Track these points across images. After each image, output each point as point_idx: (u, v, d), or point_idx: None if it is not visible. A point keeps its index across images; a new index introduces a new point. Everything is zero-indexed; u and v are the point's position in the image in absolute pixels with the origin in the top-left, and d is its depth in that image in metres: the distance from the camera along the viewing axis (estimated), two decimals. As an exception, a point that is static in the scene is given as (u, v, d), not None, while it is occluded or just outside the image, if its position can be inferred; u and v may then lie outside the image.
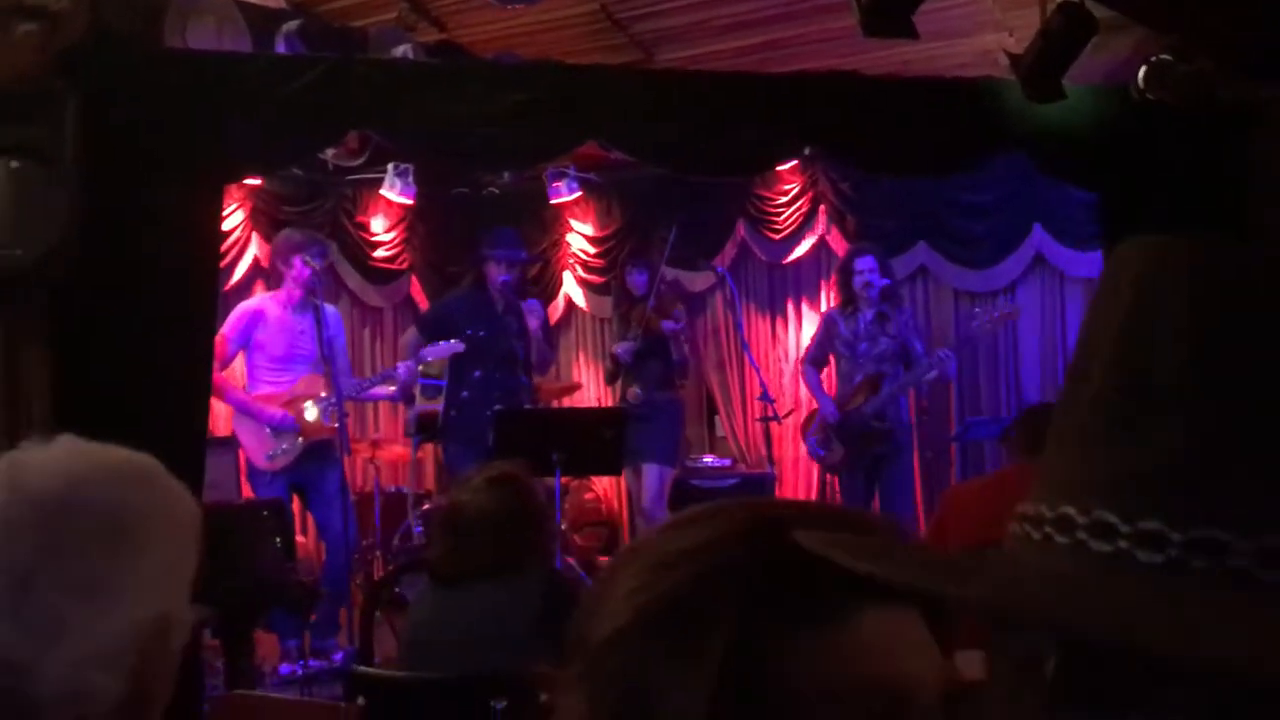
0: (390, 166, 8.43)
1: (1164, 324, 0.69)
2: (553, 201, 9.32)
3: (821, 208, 8.90)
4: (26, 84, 5.08)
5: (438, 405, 7.61)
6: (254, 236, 8.40)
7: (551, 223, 9.80)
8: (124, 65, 5.43)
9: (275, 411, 6.65)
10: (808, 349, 8.03)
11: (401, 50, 6.59)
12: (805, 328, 9.04)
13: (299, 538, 7.16)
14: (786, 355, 9.17)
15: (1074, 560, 0.69)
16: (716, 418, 9.56)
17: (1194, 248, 0.71)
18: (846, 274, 7.54)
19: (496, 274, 7.47)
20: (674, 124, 6.18)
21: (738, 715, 0.76)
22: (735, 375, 9.40)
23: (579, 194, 9.28)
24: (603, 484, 9.47)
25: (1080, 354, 0.74)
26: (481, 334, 7.38)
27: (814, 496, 8.86)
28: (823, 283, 9.02)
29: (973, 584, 0.71)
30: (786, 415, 8.24)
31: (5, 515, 1.28)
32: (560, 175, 9.07)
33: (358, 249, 9.14)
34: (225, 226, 6.92)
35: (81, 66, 5.23)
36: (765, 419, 7.76)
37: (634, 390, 7.80)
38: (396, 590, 6.49)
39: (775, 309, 9.32)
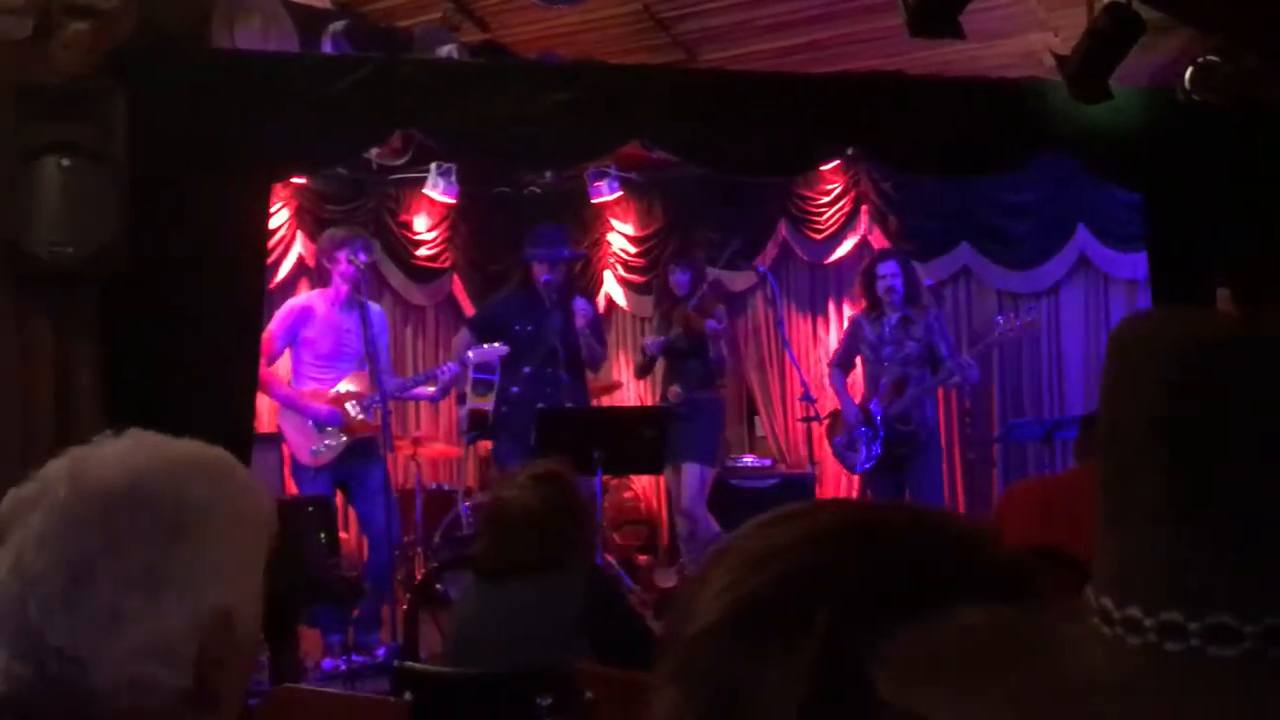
0: (433, 166, 8.47)
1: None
2: (594, 201, 9.34)
3: (863, 208, 8.88)
4: (77, 83, 5.14)
5: (488, 403, 7.65)
6: (299, 235, 8.46)
7: (592, 222, 9.82)
8: (173, 64, 5.49)
9: (321, 406, 6.69)
10: (835, 352, 8.04)
11: (446, 50, 6.62)
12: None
13: (342, 534, 7.21)
14: (827, 355, 9.13)
15: (1154, 663, 0.67)
16: (756, 418, 9.56)
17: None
18: (869, 278, 7.53)
19: (540, 273, 7.49)
20: (716, 124, 6.20)
21: (828, 715, 0.76)
22: (776, 375, 9.39)
23: (620, 193, 9.30)
24: (642, 482, 9.49)
25: (1112, 428, 0.73)
26: (530, 329, 7.42)
27: (854, 497, 8.86)
28: (858, 281, 8.98)
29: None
30: (828, 415, 8.22)
31: (66, 508, 1.28)
32: (601, 175, 9.09)
33: (401, 248, 9.19)
34: (271, 225, 6.96)
35: (131, 66, 5.29)
36: (807, 419, 7.74)
37: (675, 389, 7.81)
38: (438, 587, 6.52)
39: (816, 309, 9.30)
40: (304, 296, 7.21)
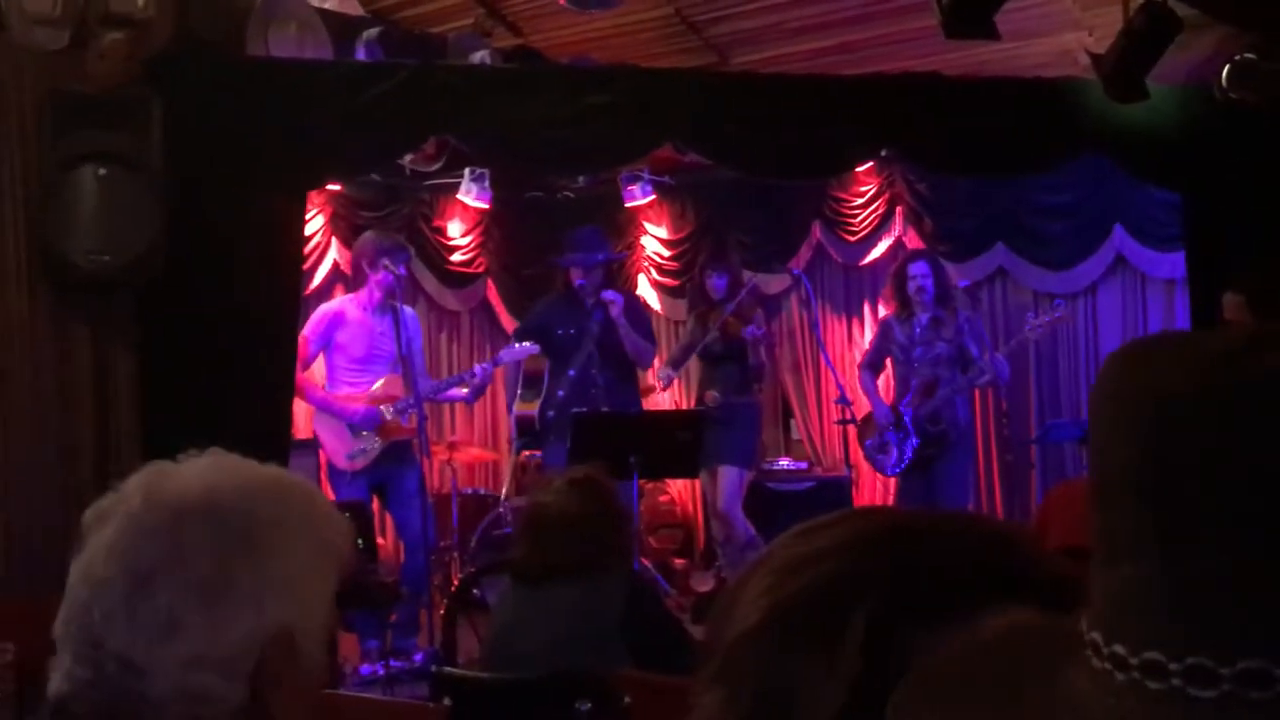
0: (466, 171, 8.48)
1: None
2: (627, 205, 9.34)
3: (898, 209, 8.85)
4: (113, 92, 5.18)
5: (533, 409, 7.67)
6: (333, 241, 8.50)
7: (626, 226, 9.81)
8: (208, 73, 5.53)
9: (358, 407, 6.72)
10: (864, 354, 8.03)
11: (479, 56, 6.64)
12: (882, 330, 9.01)
13: (379, 539, 7.23)
14: (862, 357, 9.13)
15: (1139, 701, 0.68)
16: (792, 421, 9.53)
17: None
18: (900, 279, 7.53)
19: (575, 276, 7.51)
20: (749, 126, 6.19)
21: (872, 715, 0.77)
22: (811, 378, 9.37)
23: (653, 197, 9.29)
24: (677, 486, 9.48)
25: (1100, 465, 0.73)
26: (572, 333, 7.44)
27: (890, 500, 8.83)
28: (888, 282, 8.96)
29: None
30: (861, 420, 8.20)
31: (137, 518, 1.31)
32: (634, 178, 9.09)
33: (435, 253, 9.21)
34: (306, 231, 7.00)
35: (167, 75, 5.33)
36: (843, 422, 7.71)
37: (712, 394, 7.80)
38: (475, 591, 6.53)
39: (851, 311, 9.27)
40: (336, 301, 7.24)
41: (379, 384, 6.81)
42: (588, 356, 7.46)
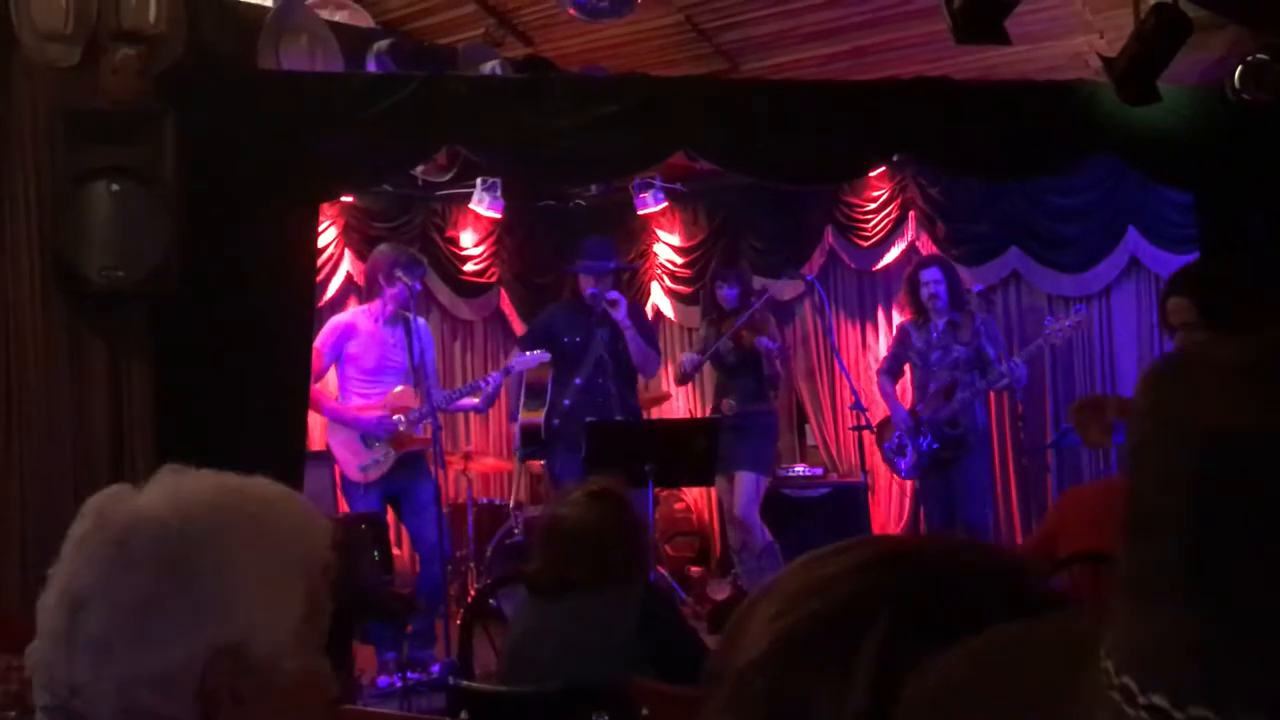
0: (479, 181, 8.50)
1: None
2: (639, 212, 9.34)
3: (911, 214, 8.84)
4: (126, 107, 5.19)
5: (539, 417, 7.67)
6: (346, 252, 8.51)
7: (638, 233, 9.82)
8: (220, 87, 5.54)
9: (371, 416, 6.73)
10: (883, 360, 8.05)
11: (490, 66, 6.64)
12: (896, 335, 9.00)
13: (395, 550, 7.23)
14: (877, 362, 9.10)
15: None
16: (807, 427, 9.52)
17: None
18: (914, 285, 7.57)
19: (586, 285, 7.52)
20: (761, 133, 6.19)
21: None
22: (825, 384, 9.36)
23: (665, 204, 9.29)
24: (693, 494, 9.47)
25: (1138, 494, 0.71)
26: (578, 341, 7.45)
27: (906, 505, 8.82)
28: (902, 289, 8.95)
29: None
30: (879, 424, 8.20)
31: (81, 543, 1.33)
32: (646, 186, 9.09)
33: (448, 263, 9.22)
34: (319, 243, 7.01)
35: (179, 89, 5.34)
36: (858, 428, 7.71)
37: (728, 402, 7.81)
38: (492, 602, 6.53)
39: (865, 316, 9.26)
40: (347, 313, 7.26)
41: (391, 395, 6.82)
42: (595, 365, 7.46)
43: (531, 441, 7.78)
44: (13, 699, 3.40)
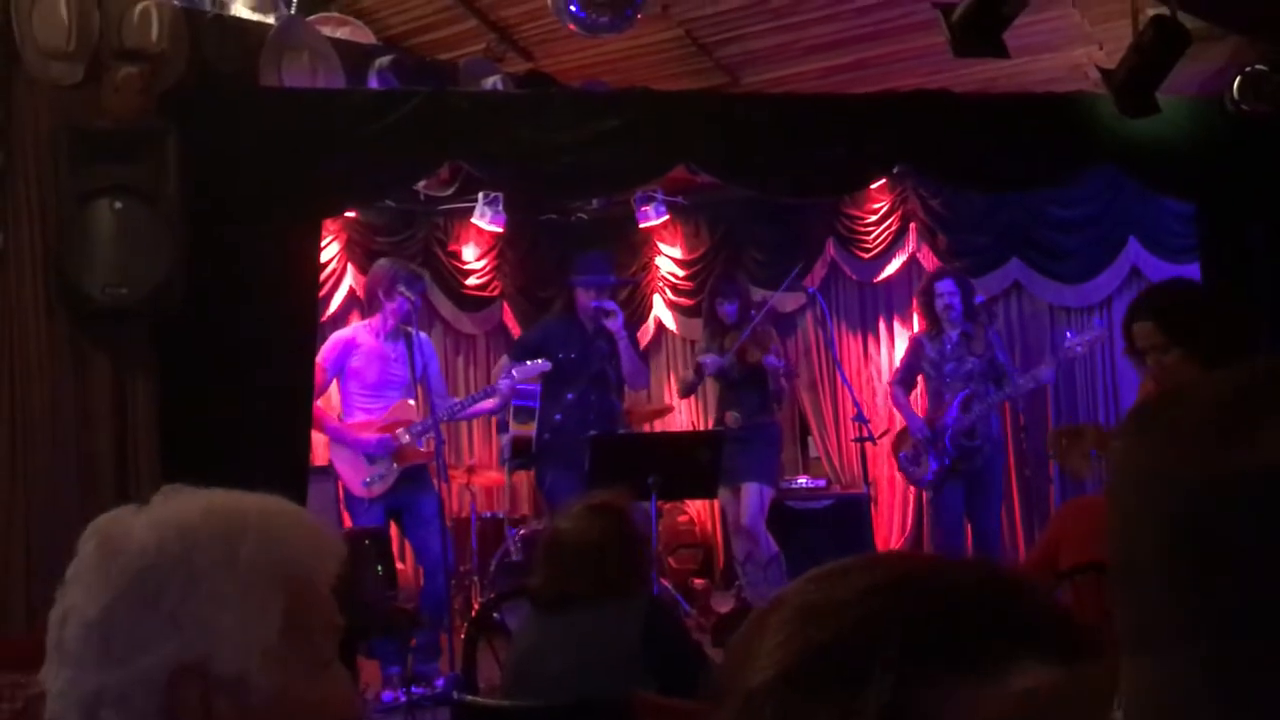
0: (480, 195, 8.51)
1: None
2: (641, 225, 9.35)
3: (912, 225, 8.85)
4: (129, 125, 5.21)
5: (530, 430, 7.67)
6: (349, 267, 8.53)
7: (640, 246, 9.84)
8: (223, 105, 5.57)
9: (370, 437, 6.74)
10: (896, 371, 8.08)
11: (491, 82, 6.67)
12: (898, 347, 8.99)
13: (399, 564, 7.24)
14: (879, 374, 9.13)
15: None
16: (810, 439, 9.53)
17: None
18: (928, 297, 7.64)
19: (586, 300, 7.53)
20: (762, 146, 6.21)
21: None
22: (828, 396, 9.36)
23: (667, 217, 9.31)
24: (696, 506, 9.47)
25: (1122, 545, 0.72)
26: (573, 356, 7.46)
27: (910, 517, 8.83)
28: (915, 301, 8.96)
29: None
30: (882, 435, 8.20)
31: (78, 559, 1.36)
32: (648, 199, 9.10)
33: (450, 277, 9.24)
34: (321, 258, 7.02)
35: (181, 107, 5.37)
36: (860, 439, 7.72)
37: (732, 415, 7.83)
38: (496, 616, 6.53)
39: (867, 328, 9.28)
40: (349, 328, 7.28)
41: (393, 409, 6.83)
42: (589, 380, 7.49)
43: (521, 454, 7.79)
44: (17, 717, 3.42)
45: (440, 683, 6.46)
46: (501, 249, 9.46)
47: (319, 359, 6.67)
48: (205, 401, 5.40)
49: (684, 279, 9.70)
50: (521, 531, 7.83)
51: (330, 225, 8.07)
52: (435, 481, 6.77)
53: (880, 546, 8.46)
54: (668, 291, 9.82)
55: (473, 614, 7.03)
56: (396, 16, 7.12)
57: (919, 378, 7.86)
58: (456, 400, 7.32)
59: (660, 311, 9.87)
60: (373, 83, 6.30)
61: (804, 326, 9.48)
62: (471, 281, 9.38)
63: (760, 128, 6.18)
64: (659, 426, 9.19)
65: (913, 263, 8.90)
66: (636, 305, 9.80)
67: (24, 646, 4.06)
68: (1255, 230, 6.27)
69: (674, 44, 7.33)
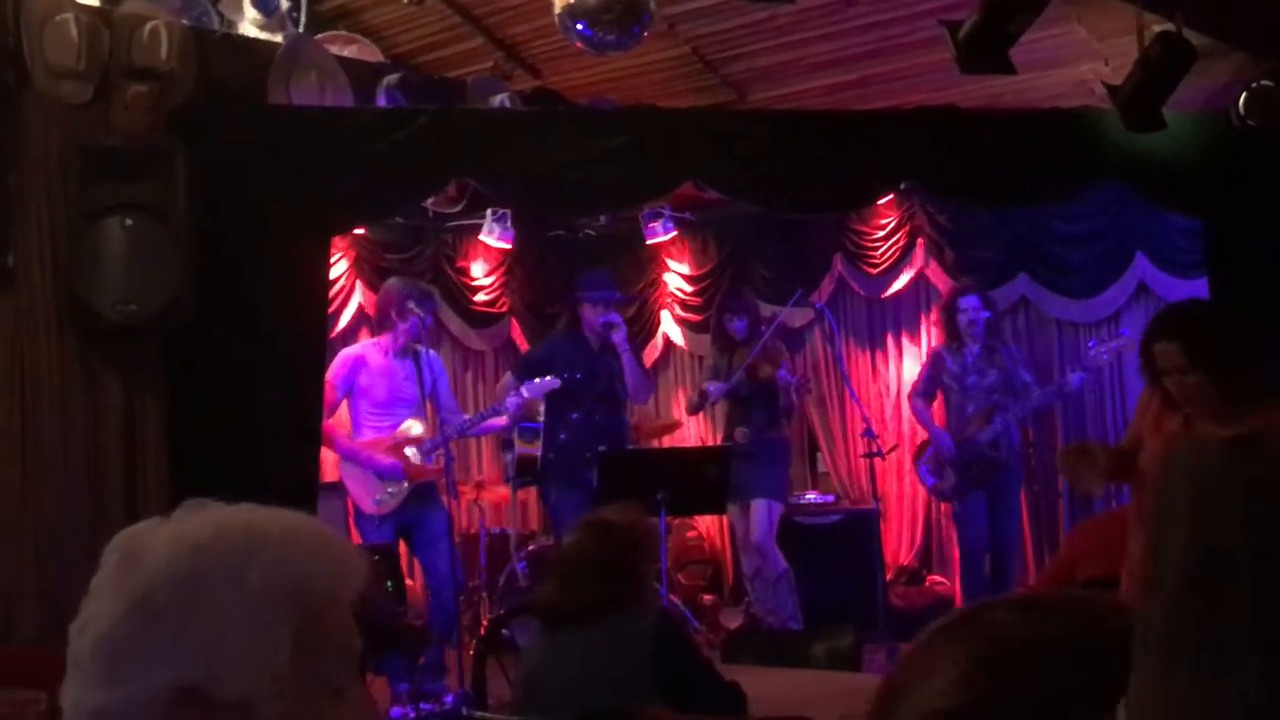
0: (489, 212, 8.53)
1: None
2: (649, 242, 9.36)
3: (919, 241, 8.85)
4: (138, 143, 5.24)
5: (536, 449, 7.68)
6: (358, 284, 8.54)
7: (648, 263, 9.85)
8: (231, 123, 5.59)
9: (383, 459, 6.74)
10: (915, 384, 8.09)
11: (499, 99, 6.69)
12: (906, 362, 8.99)
13: (409, 581, 7.24)
14: (887, 390, 9.12)
15: None
16: (818, 454, 9.52)
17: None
18: (951, 312, 7.69)
19: (593, 316, 7.54)
20: (769, 163, 6.22)
21: None
22: (836, 411, 9.35)
23: (674, 233, 9.31)
24: (705, 522, 9.46)
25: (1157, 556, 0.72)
26: (578, 376, 7.46)
27: (919, 532, 8.82)
28: (922, 316, 8.96)
29: None
30: (890, 450, 8.20)
31: (99, 571, 1.33)
32: (656, 215, 9.11)
33: (459, 294, 9.25)
34: (330, 275, 7.04)
35: (190, 125, 5.39)
36: (869, 455, 7.72)
37: (742, 430, 7.83)
38: (505, 632, 6.53)
39: (875, 343, 9.27)
40: (358, 346, 7.28)
41: (403, 427, 6.84)
42: (596, 399, 7.50)
43: (525, 473, 7.80)
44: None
45: (449, 699, 6.45)
46: (509, 265, 9.48)
47: (329, 377, 6.68)
48: (214, 418, 5.42)
49: (692, 295, 9.71)
50: (531, 547, 7.83)
51: (339, 242, 8.09)
52: (444, 499, 6.77)
53: (889, 562, 8.45)
54: (676, 307, 9.83)
55: (481, 630, 7.03)
56: (404, 34, 7.15)
57: (939, 392, 7.91)
58: (466, 418, 7.32)
59: (668, 327, 9.88)
60: (380, 101, 6.33)
61: (812, 342, 9.47)
62: (480, 298, 9.39)
63: (767, 144, 6.19)
64: (668, 442, 9.19)
65: (920, 278, 8.90)
66: (645, 321, 9.81)
67: (35, 663, 4.08)
68: (1262, 245, 6.27)
69: (680, 61, 7.36)
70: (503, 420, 7.42)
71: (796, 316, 9.14)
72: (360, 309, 8.54)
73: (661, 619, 3.73)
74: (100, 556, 1.35)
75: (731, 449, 7.44)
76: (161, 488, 5.25)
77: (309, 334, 5.88)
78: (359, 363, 6.90)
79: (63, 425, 5.13)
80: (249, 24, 6.26)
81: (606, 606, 3.53)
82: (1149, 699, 0.70)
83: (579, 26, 4.91)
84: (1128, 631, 0.82)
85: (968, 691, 0.80)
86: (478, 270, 9.38)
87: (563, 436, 7.53)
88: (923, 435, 8.11)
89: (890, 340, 9.18)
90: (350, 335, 8.34)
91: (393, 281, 7.22)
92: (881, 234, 8.96)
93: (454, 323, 9.26)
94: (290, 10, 6.38)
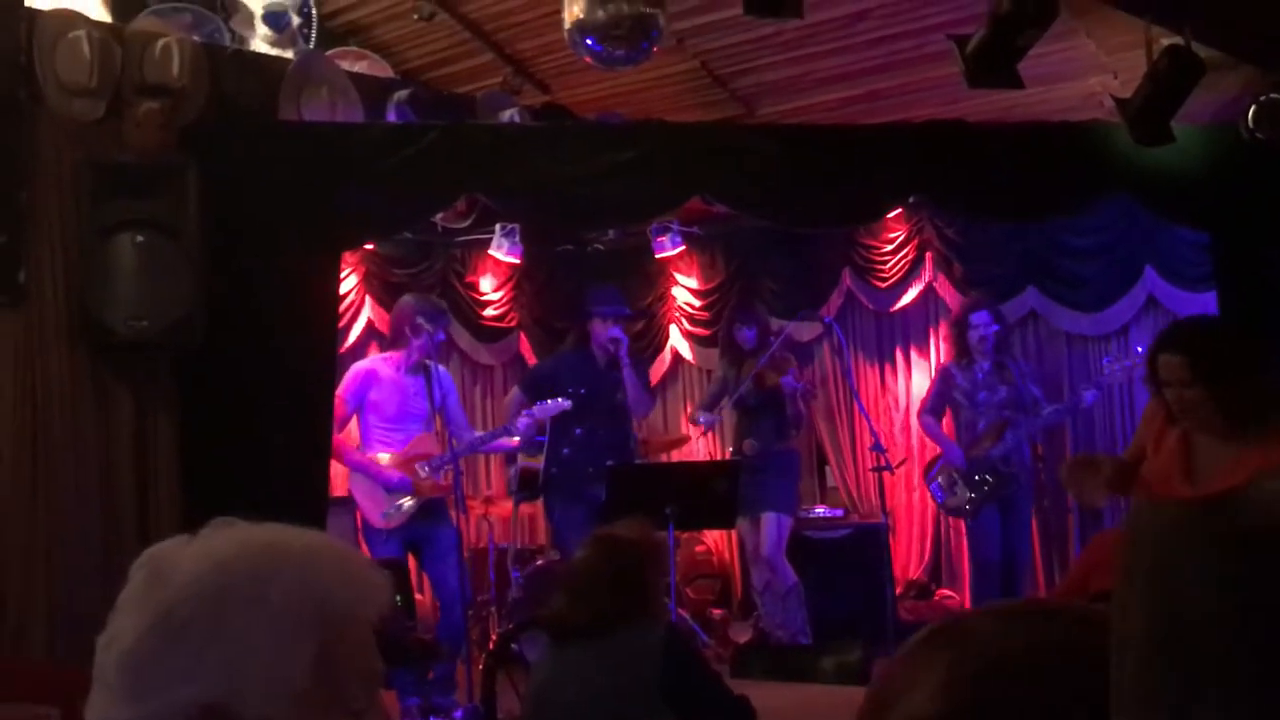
0: (498, 226, 8.54)
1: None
2: (657, 256, 9.37)
3: (928, 255, 8.86)
4: (150, 160, 5.27)
5: (538, 463, 7.69)
6: (367, 299, 8.56)
7: (656, 277, 9.85)
8: (243, 139, 5.62)
9: (392, 473, 6.75)
10: (924, 401, 8.09)
11: (508, 114, 6.72)
12: (914, 376, 8.99)
13: (418, 596, 7.25)
14: (896, 404, 9.12)
15: None
16: (827, 468, 9.51)
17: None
18: (961, 328, 7.68)
19: (603, 330, 7.54)
20: (778, 177, 6.23)
21: None
22: (845, 425, 9.35)
23: (683, 248, 9.32)
24: (714, 536, 9.45)
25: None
26: (583, 392, 7.47)
27: (929, 546, 8.81)
28: (931, 330, 8.96)
29: None
30: (899, 465, 8.20)
31: (127, 585, 1.34)
32: (664, 230, 9.12)
33: (467, 308, 9.26)
34: (340, 290, 7.06)
35: (202, 142, 5.42)
36: (878, 469, 7.72)
37: (750, 443, 7.83)
38: (514, 647, 6.53)
39: (884, 357, 9.27)
40: (368, 360, 7.29)
41: (413, 442, 6.85)
42: (601, 415, 7.51)
43: (527, 487, 7.81)
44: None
45: (458, 714, 6.45)
46: (518, 280, 9.49)
47: (340, 392, 6.69)
48: (225, 433, 5.43)
49: (700, 309, 9.71)
50: (539, 562, 7.83)
51: (348, 258, 8.10)
52: (453, 514, 6.78)
53: (899, 576, 8.44)
54: (684, 322, 9.83)
55: (490, 645, 7.03)
56: (414, 50, 7.18)
57: (948, 408, 7.91)
58: (476, 435, 7.33)
59: (677, 341, 9.88)
60: (391, 116, 6.36)
61: (820, 356, 9.47)
62: (489, 312, 9.40)
63: (775, 159, 6.20)
64: (676, 457, 9.19)
65: (929, 292, 8.90)
66: (653, 335, 9.82)
67: (46, 679, 4.08)
68: (1271, 258, 6.27)
69: (689, 76, 7.38)
70: (514, 441, 7.43)
71: (805, 330, 9.14)
72: (369, 323, 8.55)
73: (670, 633, 3.73)
74: (113, 571, 1.36)
75: (740, 464, 7.44)
76: (173, 502, 5.27)
77: (319, 349, 5.90)
78: (370, 377, 6.91)
79: (74, 440, 5.15)
80: (260, 40, 6.30)
81: (616, 621, 3.53)
82: None
83: (588, 42, 4.92)
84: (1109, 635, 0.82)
85: (950, 700, 0.81)
86: (486, 285, 9.39)
87: (565, 451, 7.54)
88: (932, 450, 8.10)
89: (899, 354, 9.18)
90: (359, 350, 8.34)
91: (407, 298, 7.23)
92: (890, 248, 8.96)
93: (463, 337, 9.27)
94: (301, 27, 6.42)
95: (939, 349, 8.75)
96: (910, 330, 9.12)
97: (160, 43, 5.35)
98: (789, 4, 4.54)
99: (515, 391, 7.85)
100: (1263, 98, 6.06)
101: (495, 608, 7.79)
